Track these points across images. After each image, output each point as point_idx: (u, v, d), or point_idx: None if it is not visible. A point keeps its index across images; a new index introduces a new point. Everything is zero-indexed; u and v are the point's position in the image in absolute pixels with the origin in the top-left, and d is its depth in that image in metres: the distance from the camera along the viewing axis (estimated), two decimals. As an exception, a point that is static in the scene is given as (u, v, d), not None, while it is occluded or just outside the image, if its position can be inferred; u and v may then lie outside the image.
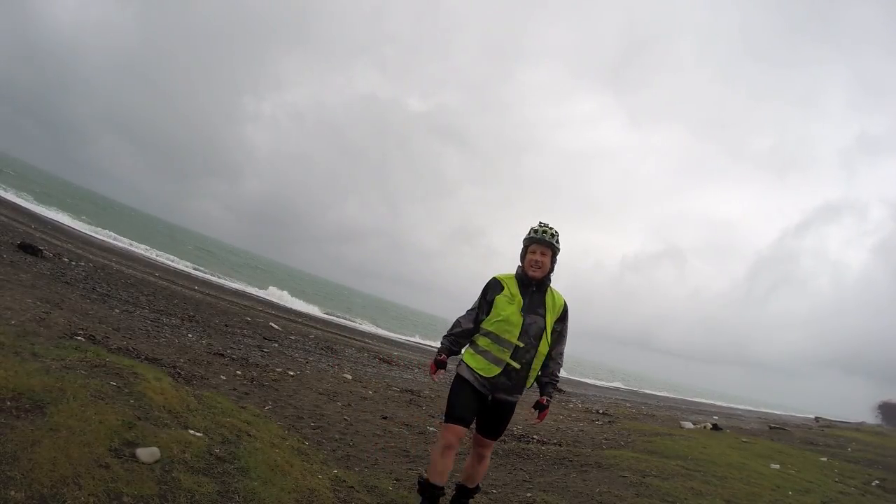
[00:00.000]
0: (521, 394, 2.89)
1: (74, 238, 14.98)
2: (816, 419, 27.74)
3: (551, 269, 2.92)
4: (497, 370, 2.78)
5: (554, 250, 2.88)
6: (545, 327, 2.84)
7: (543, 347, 2.85)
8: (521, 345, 2.78)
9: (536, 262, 2.84)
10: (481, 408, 2.85)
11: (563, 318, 2.95)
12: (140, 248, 21.57)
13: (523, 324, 2.79)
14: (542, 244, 2.86)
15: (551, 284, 2.97)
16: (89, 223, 23.20)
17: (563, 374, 3.22)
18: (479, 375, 2.81)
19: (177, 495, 2.27)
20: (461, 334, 2.94)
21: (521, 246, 2.97)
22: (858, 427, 21.97)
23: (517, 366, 2.79)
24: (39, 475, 2.01)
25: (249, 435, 3.16)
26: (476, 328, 2.92)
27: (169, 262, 20.68)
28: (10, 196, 21.20)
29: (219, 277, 23.00)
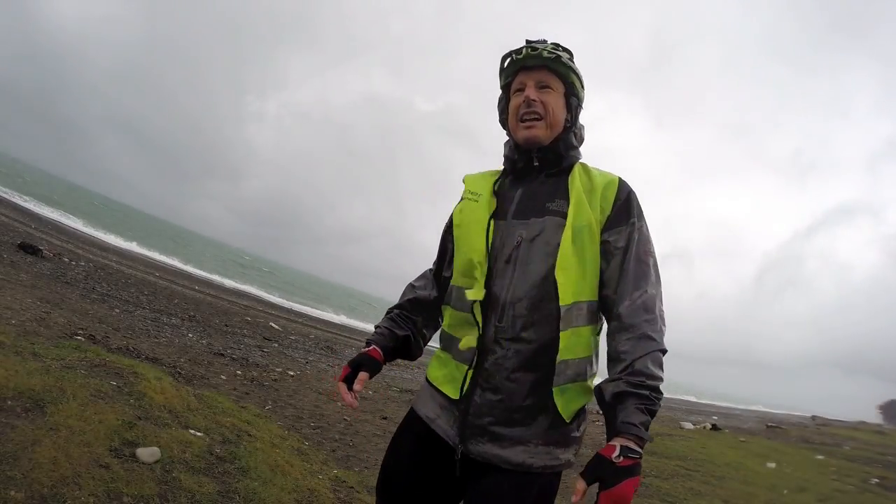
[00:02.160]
0: (535, 443, 1.19)
1: (74, 238, 14.98)
2: (813, 418, 27.81)
3: (572, 122, 1.33)
4: (465, 373, 1.24)
5: (565, 77, 1.31)
6: (570, 241, 1.18)
7: (575, 289, 1.17)
8: (500, 296, 1.21)
9: (530, 103, 1.28)
10: (449, 478, 1.25)
11: (623, 212, 1.22)
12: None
13: (496, 243, 1.25)
14: (534, 70, 1.30)
15: (582, 160, 1.34)
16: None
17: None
18: (442, 397, 1.29)
19: (177, 495, 2.27)
20: (412, 305, 1.45)
21: (499, 94, 1.41)
22: (857, 426, 21.99)
23: (502, 350, 1.20)
24: (40, 475, 2.01)
25: (250, 435, 3.17)
26: (441, 294, 1.42)
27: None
28: (11, 196, 21.19)
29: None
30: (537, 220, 1.24)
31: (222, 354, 6.13)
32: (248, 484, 2.57)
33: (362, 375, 1.29)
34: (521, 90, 1.33)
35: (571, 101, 1.33)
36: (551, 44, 1.32)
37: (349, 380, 1.31)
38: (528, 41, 1.33)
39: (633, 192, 1.26)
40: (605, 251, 1.21)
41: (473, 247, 1.28)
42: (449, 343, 1.33)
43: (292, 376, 6.15)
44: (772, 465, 6.69)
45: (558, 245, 1.18)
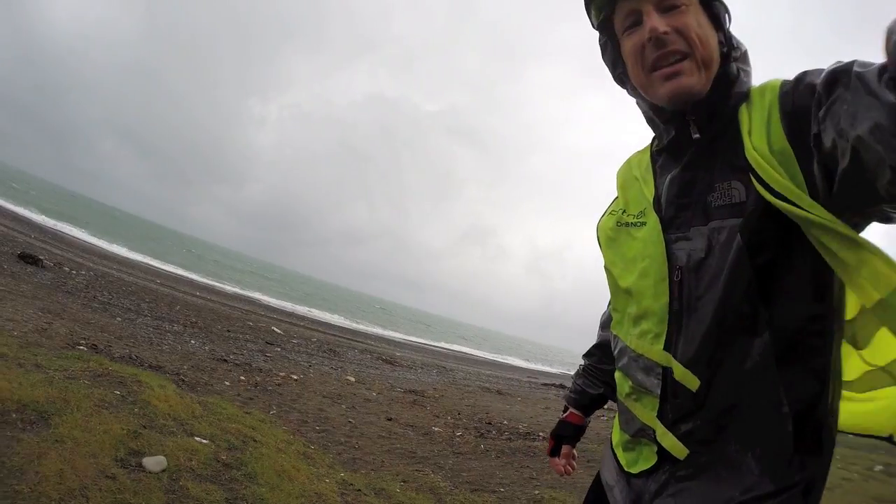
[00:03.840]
0: None
1: (74, 247, 14.98)
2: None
3: (727, 43, 0.80)
4: (650, 455, 0.87)
5: None
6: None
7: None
8: (671, 357, 0.81)
9: (660, 40, 0.77)
10: None
11: (803, 112, 0.68)
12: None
13: (670, 262, 0.81)
14: None
15: (753, 84, 0.81)
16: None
17: None
18: (617, 463, 0.99)
19: (184, 504, 2.27)
20: (601, 351, 1.24)
21: (598, 38, 0.91)
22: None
23: (685, 426, 0.81)
24: (47, 488, 2.01)
25: (255, 440, 3.16)
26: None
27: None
28: (11, 206, 21.20)
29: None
30: (700, 229, 0.79)
31: (225, 360, 6.12)
32: (256, 490, 2.57)
33: (565, 450, 1.32)
34: (636, 24, 0.82)
35: (715, 7, 0.81)
36: None
37: (556, 451, 1.35)
38: None
39: (800, 74, 0.74)
40: (827, 167, 0.68)
41: (640, 292, 0.86)
42: (621, 411, 0.99)
43: (296, 380, 6.15)
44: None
45: (734, 268, 0.74)
